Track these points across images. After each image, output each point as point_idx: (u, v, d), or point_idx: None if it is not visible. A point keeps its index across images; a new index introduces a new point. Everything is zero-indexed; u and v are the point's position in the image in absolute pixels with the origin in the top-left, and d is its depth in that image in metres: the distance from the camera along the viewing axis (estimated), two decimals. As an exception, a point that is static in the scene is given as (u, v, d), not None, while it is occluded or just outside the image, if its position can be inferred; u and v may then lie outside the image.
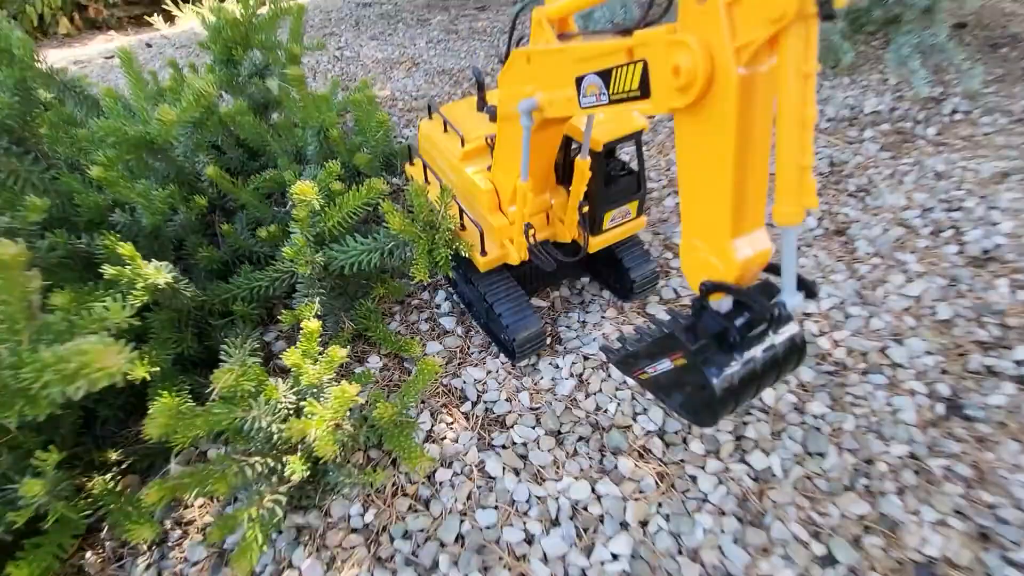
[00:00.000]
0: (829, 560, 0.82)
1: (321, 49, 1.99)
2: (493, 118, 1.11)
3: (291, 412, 0.85)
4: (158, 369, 0.87)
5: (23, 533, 0.74)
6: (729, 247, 0.59)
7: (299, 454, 0.83)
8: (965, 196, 1.49)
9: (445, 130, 1.20)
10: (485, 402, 1.10)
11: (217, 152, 1.42)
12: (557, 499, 0.92)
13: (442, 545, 0.87)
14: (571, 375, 1.13)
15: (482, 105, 1.21)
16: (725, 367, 0.60)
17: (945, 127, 1.85)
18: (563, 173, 1.10)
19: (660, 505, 0.90)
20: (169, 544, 0.91)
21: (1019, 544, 0.82)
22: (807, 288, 0.59)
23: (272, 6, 1.45)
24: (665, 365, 0.68)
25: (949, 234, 1.39)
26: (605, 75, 0.68)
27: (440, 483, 0.96)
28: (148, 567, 0.87)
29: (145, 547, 0.90)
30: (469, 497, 0.93)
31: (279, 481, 0.83)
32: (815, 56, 0.48)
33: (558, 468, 0.97)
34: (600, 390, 1.09)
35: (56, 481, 0.73)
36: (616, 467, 0.96)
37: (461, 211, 1.11)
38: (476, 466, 0.98)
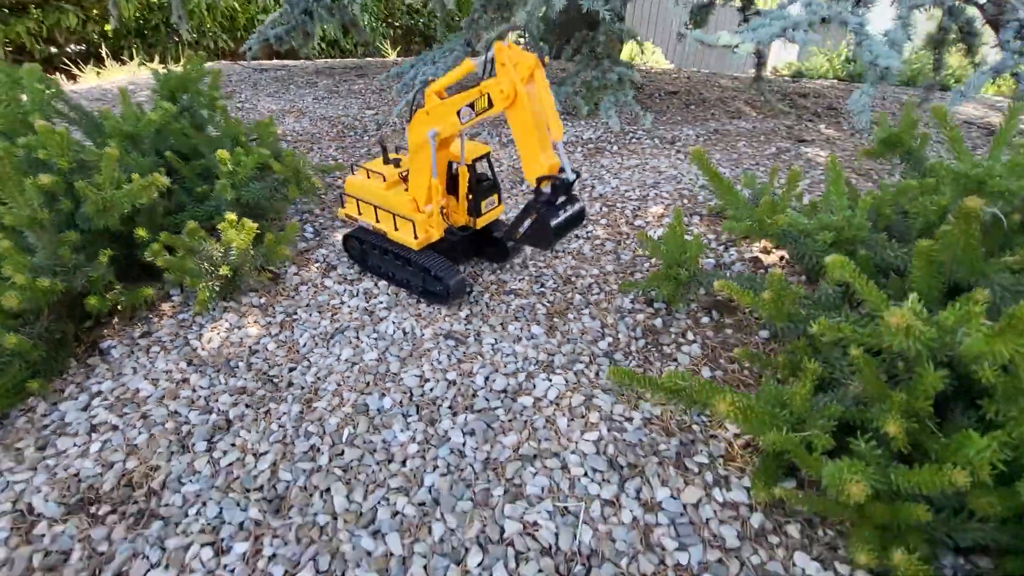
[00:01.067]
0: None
1: (227, 100, 2.97)
2: (396, 164, 1.89)
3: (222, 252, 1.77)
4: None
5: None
6: (543, 157, 1.39)
7: (227, 264, 1.75)
8: (613, 177, 2.78)
9: (368, 176, 1.86)
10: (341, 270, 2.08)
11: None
12: (355, 295, 1.90)
13: (296, 311, 1.82)
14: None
15: (386, 160, 1.91)
16: (554, 217, 1.43)
17: (623, 146, 3.22)
18: (449, 186, 1.80)
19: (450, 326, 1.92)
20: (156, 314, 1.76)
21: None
22: (576, 173, 1.46)
23: (194, 68, 2.43)
24: (527, 223, 1.50)
25: (599, 194, 2.64)
26: (471, 105, 1.48)
27: (298, 290, 1.91)
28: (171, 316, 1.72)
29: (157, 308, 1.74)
30: (314, 296, 1.89)
31: (217, 279, 1.74)
32: (546, 82, 1.38)
33: (377, 296, 1.96)
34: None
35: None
36: (428, 312, 1.97)
37: (394, 219, 1.79)
38: (320, 283, 1.95)
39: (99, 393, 1.50)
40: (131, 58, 7.46)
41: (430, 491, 1.22)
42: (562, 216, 1.47)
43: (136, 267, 1.84)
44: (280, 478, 1.26)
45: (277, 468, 1.29)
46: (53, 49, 7.70)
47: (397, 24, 10.61)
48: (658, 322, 1.73)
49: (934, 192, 1.44)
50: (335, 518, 1.17)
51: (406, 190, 1.80)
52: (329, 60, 7.08)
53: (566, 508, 1.17)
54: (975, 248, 1.15)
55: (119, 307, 1.76)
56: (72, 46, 8.02)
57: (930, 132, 2.28)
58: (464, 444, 1.33)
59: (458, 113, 1.52)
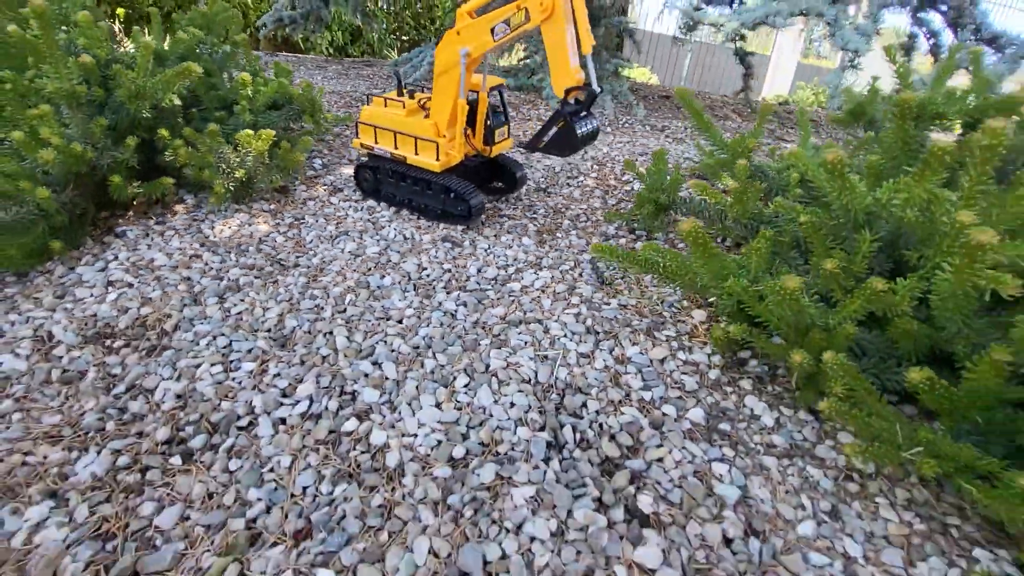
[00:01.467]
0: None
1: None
2: (410, 95, 1.94)
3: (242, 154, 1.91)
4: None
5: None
6: (573, 69, 1.46)
7: (243, 169, 1.89)
8: (606, 146, 2.98)
9: (386, 105, 1.91)
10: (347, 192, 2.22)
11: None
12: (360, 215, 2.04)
13: (304, 217, 1.95)
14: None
15: (401, 92, 1.95)
16: (581, 125, 1.54)
17: (617, 129, 3.44)
18: (470, 120, 1.85)
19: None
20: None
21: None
22: (600, 87, 1.75)
23: (218, 9, 2.61)
24: (553, 131, 1.58)
25: (591, 156, 2.83)
26: (506, 21, 1.52)
27: (306, 203, 2.05)
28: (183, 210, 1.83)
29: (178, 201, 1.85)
30: (320, 208, 2.02)
31: (234, 180, 1.87)
32: None
33: (379, 212, 2.10)
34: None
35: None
36: (427, 224, 2.11)
37: (415, 144, 1.83)
38: (327, 200, 2.09)
39: (115, 259, 1.62)
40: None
41: (424, 339, 1.34)
42: (588, 126, 1.58)
43: (154, 170, 1.96)
44: (286, 324, 1.38)
45: (284, 317, 1.40)
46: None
47: (405, 38, 11.03)
48: (638, 246, 1.89)
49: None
50: (336, 352, 1.29)
51: (426, 117, 1.86)
52: (340, 60, 7.35)
53: (545, 356, 1.30)
54: (907, 148, 1.34)
55: (135, 201, 1.88)
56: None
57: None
58: (456, 311, 1.46)
59: (491, 30, 1.56)
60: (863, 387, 0.98)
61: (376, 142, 1.97)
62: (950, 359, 1.07)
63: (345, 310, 1.44)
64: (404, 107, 1.88)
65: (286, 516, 0.93)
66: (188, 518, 0.93)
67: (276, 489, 0.97)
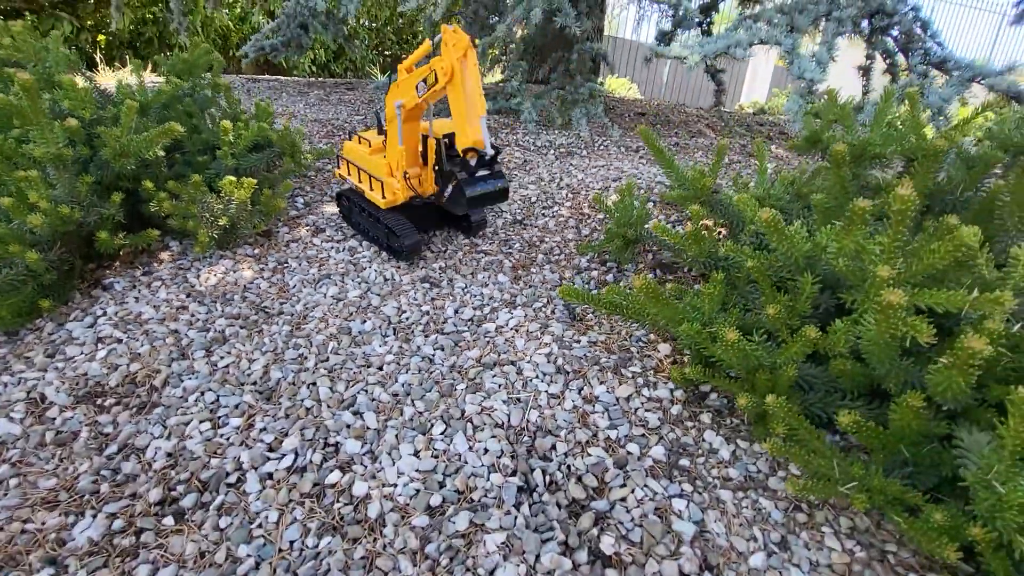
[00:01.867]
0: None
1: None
2: (381, 131, 2.04)
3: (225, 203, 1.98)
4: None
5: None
6: (470, 130, 1.57)
7: (226, 216, 1.96)
8: (580, 172, 3.08)
9: (359, 143, 2.12)
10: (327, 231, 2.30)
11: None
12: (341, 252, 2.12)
13: (287, 260, 2.02)
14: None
15: (380, 130, 2.08)
16: (471, 186, 1.62)
17: (592, 152, 3.55)
18: (424, 158, 1.92)
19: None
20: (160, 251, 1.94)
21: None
22: (496, 149, 1.67)
23: (199, 54, 2.68)
24: (449, 189, 1.72)
25: (566, 184, 2.93)
26: (423, 81, 1.66)
27: (288, 245, 2.12)
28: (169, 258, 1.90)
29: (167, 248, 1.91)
30: (303, 250, 2.10)
31: (218, 228, 1.94)
32: (476, 62, 1.60)
33: (361, 252, 2.17)
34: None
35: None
36: (407, 265, 2.19)
37: (371, 180, 2.02)
38: (310, 241, 2.16)
39: (104, 314, 1.68)
40: (123, 66, 7.70)
41: (403, 386, 1.42)
42: (480, 188, 1.66)
43: (139, 220, 2.02)
44: (271, 376, 1.45)
45: (269, 368, 1.47)
46: (45, 55, 7.85)
47: (387, 53, 11.13)
48: (609, 277, 1.98)
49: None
50: (319, 403, 1.36)
51: (384, 156, 2.01)
52: (321, 79, 7.42)
53: (518, 398, 1.38)
54: (845, 191, 1.45)
55: (121, 252, 1.95)
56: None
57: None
58: (434, 355, 1.54)
59: (416, 87, 1.72)
60: (803, 427, 1.07)
61: (348, 174, 2.19)
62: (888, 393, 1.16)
63: (328, 359, 1.52)
64: (370, 145, 2.06)
65: (274, 572, 1.00)
66: (181, 578, 0.99)
67: (264, 545, 1.04)
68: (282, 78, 6.64)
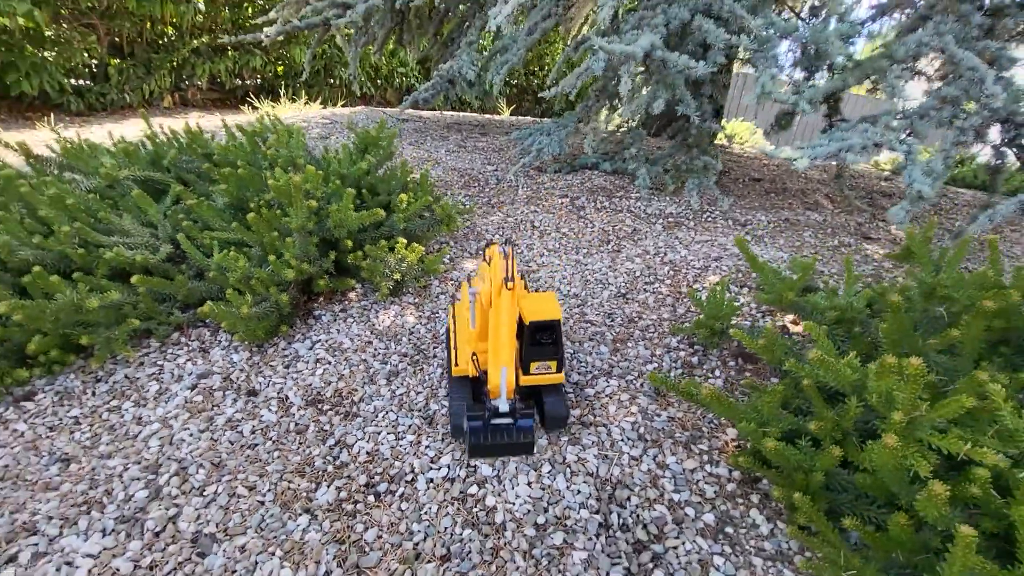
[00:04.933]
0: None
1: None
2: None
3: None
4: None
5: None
6: (493, 372, 1.66)
7: (399, 271, 2.67)
8: (684, 248, 3.49)
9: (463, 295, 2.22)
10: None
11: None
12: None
13: (438, 311, 2.69)
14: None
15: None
16: (477, 436, 1.68)
17: (699, 223, 3.93)
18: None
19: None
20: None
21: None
22: (512, 406, 1.67)
23: (379, 131, 3.50)
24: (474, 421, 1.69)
25: (669, 260, 3.36)
26: (473, 291, 1.90)
27: (438, 298, 2.79)
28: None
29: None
30: (448, 298, 2.76)
31: (392, 280, 2.67)
32: (512, 302, 1.76)
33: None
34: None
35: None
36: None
37: (451, 338, 2.10)
38: (455, 295, 2.82)
39: (319, 341, 2.44)
40: (294, 96, 9.31)
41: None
42: (490, 439, 1.63)
43: (339, 267, 2.82)
44: (431, 408, 2.09)
45: (428, 401, 2.12)
46: (237, 81, 9.72)
47: (513, 83, 12.11)
48: (695, 359, 2.41)
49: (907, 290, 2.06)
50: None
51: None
52: (456, 114, 8.43)
53: (606, 455, 1.89)
54: (908, 330, 1.77)
55: (326, 292, 2.74)
56: (250, 82, 10.07)
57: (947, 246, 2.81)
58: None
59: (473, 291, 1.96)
60: (820, 521, 1.46)
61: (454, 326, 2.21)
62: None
63: (469, 400, 2.13)
64: (455, 315, 2.22)
65: (435, 545, 1.60)
66: (380, 537, 1.62)
67: (429, 525, 1.65)
68: (425, 115, 7.69)
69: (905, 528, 1.32)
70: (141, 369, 2.27)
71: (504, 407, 1.54)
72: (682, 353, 2.46)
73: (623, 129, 5.40)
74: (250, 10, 9.20)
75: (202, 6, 8.46)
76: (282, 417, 2.06)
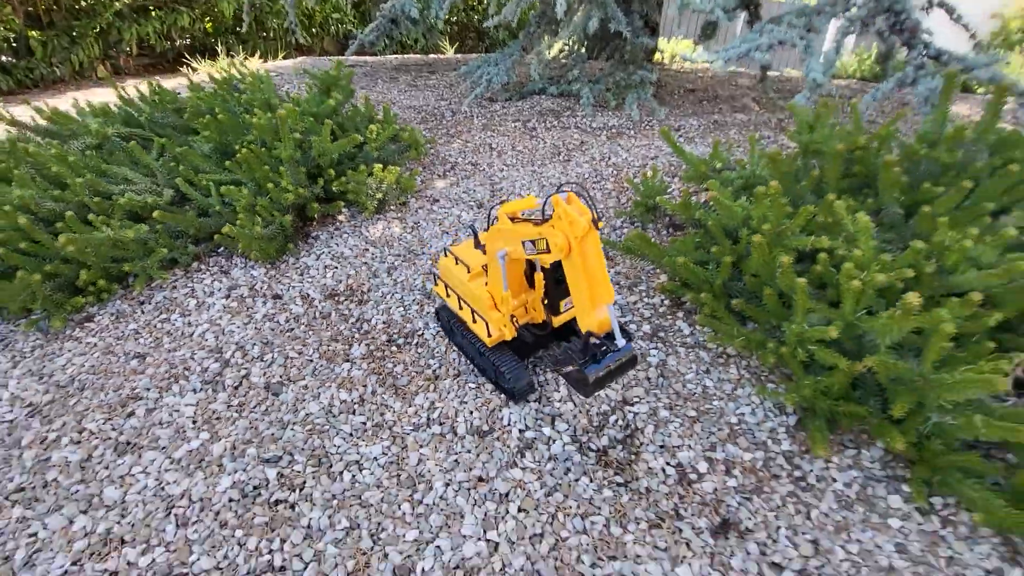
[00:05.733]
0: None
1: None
2: (483, 250, 1.86)
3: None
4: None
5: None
6: (595, 313, 1.44)
7: (380, 192, 3.15)
8: (625, 152, 4.05)
9: (456, 263, 2.02)
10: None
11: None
12: (455, 213, 3.28)
13: (419, 221, 3.20)
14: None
15: (477, 244, 1.88)
16: (594, 372, 1.44)
17: (639, 131, 4.49)
18: (530, 281, 1.88)
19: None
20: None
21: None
22: (628, 335, 1.50)
23: (338, 71, 3.86)
24: (569, 368, 1.52)
25: (613, 163, 3.92)
26: (531, 242, 1.53)
27: (416, 212, 3.31)
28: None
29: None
30: (428, 214, 3.28)
31: (375, 200, 3.15)
32: (598, 242, 1.41)
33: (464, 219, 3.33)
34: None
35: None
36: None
37: (472, 313, 1.94)
38: (431, 207, 3.34)
39: (323, 253, 2.94)
40: (231, 53, 9.23)
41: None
42: (604, 368, 1.49)
43: (327, 194, 3.27)
44: (426, 287, 2.65)
45: (424, 283, 2.67)
46: (167, 43, 9.53)
47: (454, 20, 12.12)
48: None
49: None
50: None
51: (486, 283, 1.92)
52: (400, 57, 8.57)
53: (569, 301, 2.50)
54: (791, 181, 2.40)
55: (319, 217, 3.21)
56: (181, 42, 9.85)
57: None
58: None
59: (523, 243, 1.59)
60: (720, 310, 2.11)
61: (447, 296, 2.12)
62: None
63: (457, 279, 2.69)
64: (468, 271, 1.99)
65: (448, 369, 2.19)
66: (407, 369, 2.20)
67: (442, 360, 2.24)
68: (370, 60, 7.84)
69: (771, 297, 1.97)
70: (175, 291, 2.74)
71: (620, 341, 1.49)
72: (626, 230, 3.06)
73: (564, 53, 5.82)
74: (168, -37, 8.92)
75: (118, -37, 8.20)
76: (307, 309, 2.58)
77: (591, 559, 1.51)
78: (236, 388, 2.14)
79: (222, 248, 3.00)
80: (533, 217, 1.60)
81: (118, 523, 1.66)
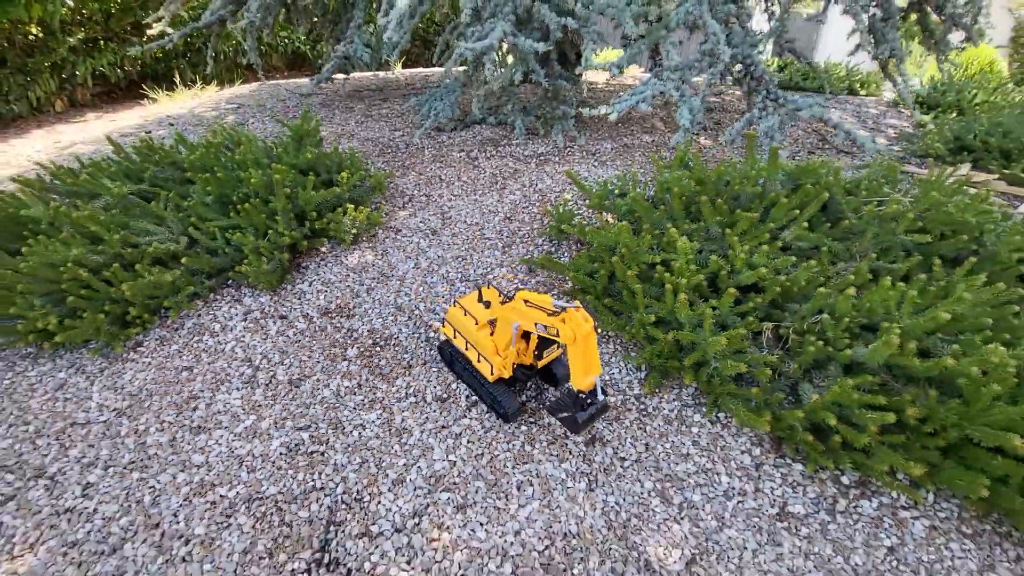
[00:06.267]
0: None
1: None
2: (486, 306, 2.56)
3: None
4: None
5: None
6: (586, 379, 2.01)
7: (354, 228, 4.08)
8: (549, 178, 5.09)
9: (465, 314, 2.57)
10: (397, 229, 4.43)
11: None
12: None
13: (388, 250, 4.16)
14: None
15: (480, 298, 2.57)
16: (582, 415, 2.06)
17: (562, 157, 5.54)
18: (526, 339, 2.47)
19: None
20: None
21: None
22: (604, 392, 2.12)
23: (306, 123, 4.74)
24: (564, 413, 2.17)
25: (539, 189, 4.95)
26: (543, 327, 2.10)
27: (384, 241, 4.25)
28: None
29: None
30: (395, 243, 4.23)
31: (351, 234, 4.08)
32: (595, 339, 2.01)
33: (426, 250, 4.30)
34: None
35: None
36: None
37: (478, 354, 2.54)
38: (397, 237, 4.30)
39: (314, 280, 3.87)
40: (190, 82, 9.81)
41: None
42: (588, 414, 2.10)
43: (312, 231, 4.17)
44: (399, 301, 3.62)
45: (396, 298, 3.64)
46: (120, 72, 10.02)
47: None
48: (553, 250, 4.07)
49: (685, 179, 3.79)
50: (433, 300, 3.53)
51: (491, 334, 2.50)
52: (354, 77, 9.28)
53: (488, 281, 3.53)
54: (650, 208, 3.49)
55: (306, 251, 4.12)
56: (131, 69, 10.34)
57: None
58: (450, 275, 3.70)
59: (536, 324, 2.15)
60: (600, 305, 3.17)
61: (454, 337, 2.72)
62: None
63: (426, 296, 3.68)
64: (476, 323, 2.53)
65: (425, 362, 3.18)
66: (389, 362, 3.18)
67: (412, 358, 3.22)
68: (324, 86, 8.59)
69: (628, 296, 3.04)
70: (201, 318, 3.62)
71: (601, 397, 2.10)
72: (545, 247, 4.11)
73: (500, 86, 6.82)
74: (119, -1, 9.42)
75: (71, 1, 8.68)
76: (308, 324, 3.51)
77: (512, 464, 2.53)
78: (268, 384, 3.07)
79: (231, 281, 3.88)
80: (544, 307, 2.11)
81: (207, 474, 2.59)
